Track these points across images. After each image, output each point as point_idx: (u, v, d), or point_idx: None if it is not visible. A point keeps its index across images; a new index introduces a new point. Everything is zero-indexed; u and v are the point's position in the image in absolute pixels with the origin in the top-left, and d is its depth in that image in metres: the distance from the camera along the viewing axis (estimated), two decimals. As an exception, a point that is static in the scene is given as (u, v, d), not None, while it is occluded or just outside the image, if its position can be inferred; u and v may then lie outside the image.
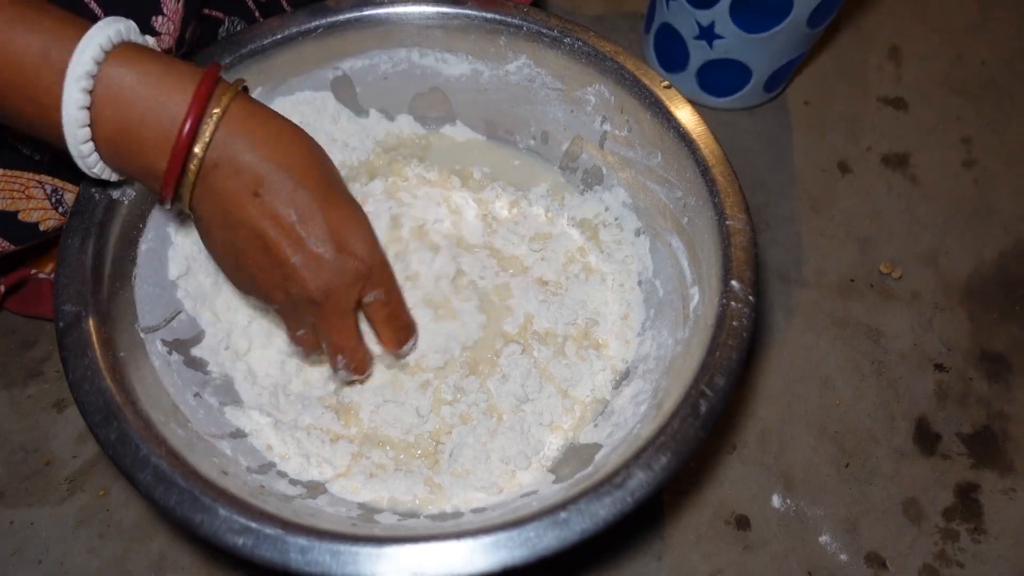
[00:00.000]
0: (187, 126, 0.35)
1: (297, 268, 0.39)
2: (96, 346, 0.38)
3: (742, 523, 0.56)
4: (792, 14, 0.66)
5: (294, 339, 0.45)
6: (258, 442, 0.46)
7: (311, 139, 0.41)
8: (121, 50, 0.35)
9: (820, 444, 0.60)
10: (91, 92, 0.34)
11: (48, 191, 0.50)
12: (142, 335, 0.44)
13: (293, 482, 0.44)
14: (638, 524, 0.55)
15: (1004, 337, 0.66)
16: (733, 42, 0.71)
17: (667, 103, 0.49)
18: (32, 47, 0.33)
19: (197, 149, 0.36)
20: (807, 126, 0.78)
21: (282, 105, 0.54)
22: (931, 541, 0.56)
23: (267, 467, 0.45)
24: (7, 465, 0.56)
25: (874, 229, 0.71)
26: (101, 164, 0.37)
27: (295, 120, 0.42)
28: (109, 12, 0.43)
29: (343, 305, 0.42)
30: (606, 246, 0.57)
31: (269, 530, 0.34)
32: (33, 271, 0.58)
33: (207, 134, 0.36)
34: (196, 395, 0.45)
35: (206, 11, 0.54)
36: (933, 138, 0.78)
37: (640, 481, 0.35)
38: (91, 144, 0.36)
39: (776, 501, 0.57)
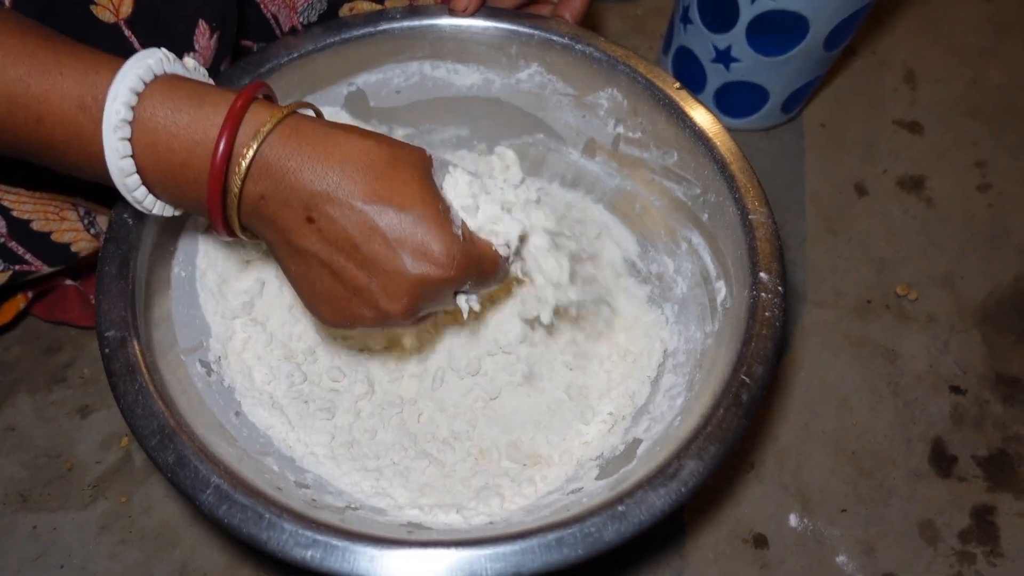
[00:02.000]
0: (218, 159, 0.34)
1: (375, 293, 0.37)
2: (144, 368, 0.39)
3: (760, 542, 0.56)
4: (808, 37, 0.67)
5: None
6: (300, 456, 0.46)
7: (371, 141, 0.37)
8: (154, 87, 0.34)
9: (837, 464, 0.60)
10: (130, 140, 0.34)
11: (80, 213, 0.51)
12: (182, 357, 0.45)
13: (338, 494, 0.44)
14: (657, 541, 0.55)
15: (1019, 360, 0.66)
16: (750, 65, 0.71)
17: (682, 104, 0.50)
18: (68, 97, 0.33)
19: (233, 185, 0.35)
20: (823, 148, 0.79)
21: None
22: (947, 563, 0.56)
23: (314, 481, 0.45)
24: (31, 469, 0.57)
25: (890, 251, 0.72)
26: (159, 204, 0.37)
27: None
28: (146, 45, 0.44)
29: (438, 308, 0.40)
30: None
31: (336, 542, 0.34)
32: (60, 278, 0.59)
33: (243, 167, 0.35)
34: (236, 413, 0.46)
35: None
36: (948, 161, 0.79)
37: (692, 470, 0.36)
38: (143, 189, 0.35)
39: (793, 520, 0.57)
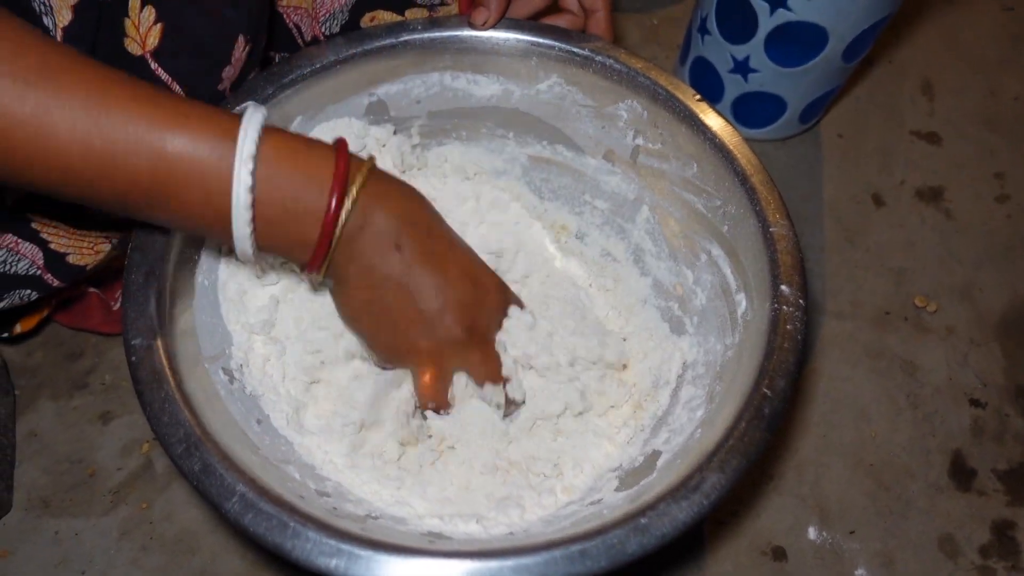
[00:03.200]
0: (334, 197, 0.38)
1: (443, 312, 0.43)
2: (169, 376, 0.39)
3: (778, 554, 0.56)
4: (827, 49, 0.67)
5: (426, 392, 0.47)
6: (320, 464, 0.47)
7: (422, 195, 0.45)
8: (268, 133, 0.37)
9: (856, 476, 0.60)
10: (254, 174, 0.36)
11: (115, 244, 0.51)
12: (206, 364, 0.45)
13: (358, 503, 0.45)
14: (677, 553, 0.55)
15: (1040, 374, 0.66)
16: (768, 76, 0.72)
17: (701, 116, 0.50)
18: (195, 142, 0.35)
19: (343, 217, 0.39)
20: (841, 158, 0.79)
21: (322, 132, 0.56)
22: (968, 578, 0.56)
23: (334, 489, 0.45)
24: (52, 475, 0.57)
25: (908, 262, 0.72)
26: (253, 243, 0.39)
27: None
28: (182, 72, 0.45)
29: (489, 336, 0.46)
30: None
31: (360, 551, 0.34)
32: (81, 285, 0.60)
33: (350, 203, 0.39)
34: (258, 421, 0.46)
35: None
36: (966, 172, 0.79)
37: (714, 483, 0.36)
38: (251, 224, 0.38)
39: (812, 533, 0.57)
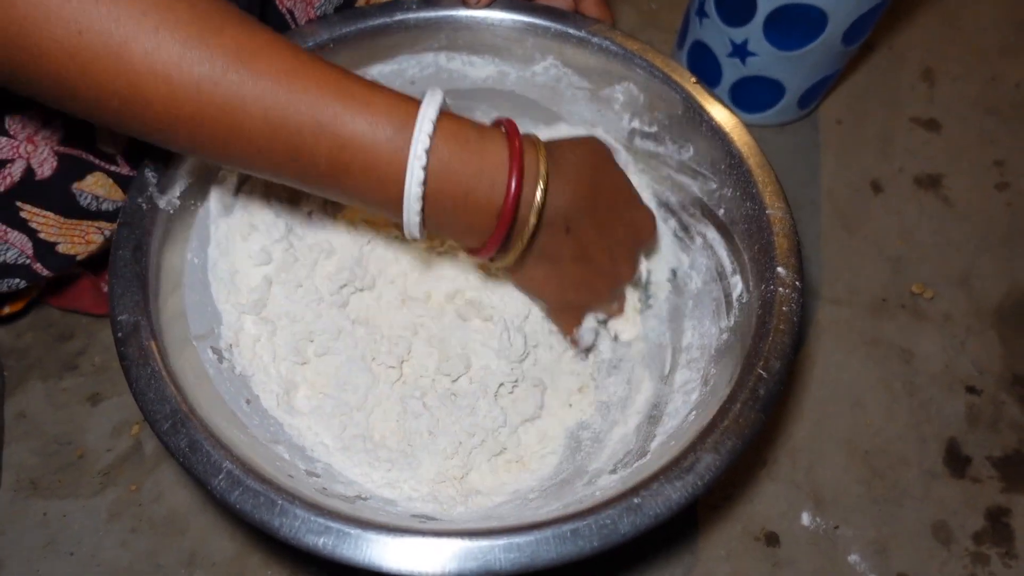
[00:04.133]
0: (510, 193, 0.38)
1: (616, 267, 0.48)
2: (156, 354, 0.39)
3: (772, 540, 0.56)
4: (827, 32, 0.66)
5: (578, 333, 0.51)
6: (310, 445, 0.46)
7: (597, 150, 0.45)
8: (443, 122, 0.37)
9: (850, 463, 0.59)
10: (425, 168, 0.36)
11: (106, 235, 0.51)
12: (194, 343, 0.44)
13: (348, 484, 0.44)
14: (670, 537, 0.55)
15: (1036, 361, 0.65)
16: (766, 59, 0.71)
17: (698, 98, 0.50)
18: (375, 128, 0.36)
19: (531, 217, 0.40)
20: (839, 145, 0.78)
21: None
22: (961, 564, 0.56)
23: (324, 470, 0.45)
24: (41, 456, 0.57)
25: (906, 249, 0.71)
26: (421, 225, 0.39)
27: None
28: None
29: (638, 268, 0.51)
30: None
31: (349, 529, 0.34)
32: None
33: (537, 200, 0.40)
34: (247, 401, 0.45)
35: None
36: (966, 160, 0.78)
37: (708, 464, 0.36)
38: (421, 214, 0.38)
39: (806, 519, 0.57)
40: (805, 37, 0.67)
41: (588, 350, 0.54)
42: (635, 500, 0.35)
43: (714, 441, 0.37)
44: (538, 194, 0.39)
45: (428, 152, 0.36)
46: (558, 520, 0.34)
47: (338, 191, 0.38)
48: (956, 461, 0.60)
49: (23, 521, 0.54)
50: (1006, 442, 0.61)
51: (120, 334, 0.39)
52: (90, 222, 0.49)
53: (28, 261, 0.49)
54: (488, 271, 0.55)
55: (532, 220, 0.40)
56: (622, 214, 0.47)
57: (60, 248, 0.49)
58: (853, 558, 0.55)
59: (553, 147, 0.42)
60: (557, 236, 0.43)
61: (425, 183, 0.37)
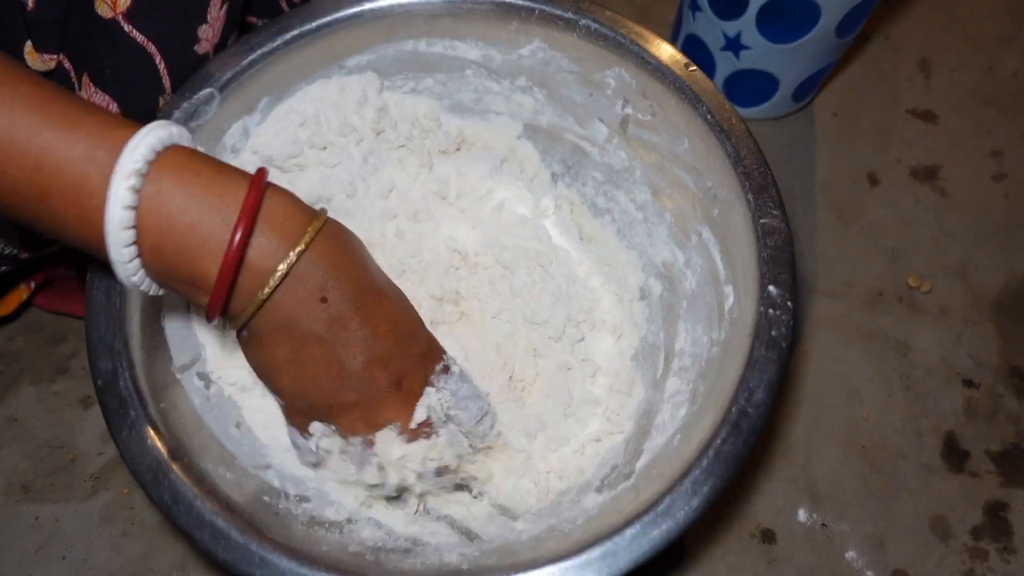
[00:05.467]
0: (239, 231, 0.33)
1: (370, 366, 0.39)
2: (137, 401, 0.38)
3: (767, 536, 0.55)
4: (820, 24, 0.66)
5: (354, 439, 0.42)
6: (300, 468, 0.46)
7: (353, 238, 0.40)
8: (171, 154, 0.34)
9: (847, 458, 0.59)
10: (138, 192, 0.32)
11: None
12: (177, 375, 0.44)
13: (339, 507, 0.44)
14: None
15: (1035, 353, 0.65)
16: (760, 53, 0.70)
17: (694, 87, 0.47)
18: (77, 148, 0.32)
19: (273, 272, 0.35)
20: (835, 137, 0.77)
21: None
22: (959, 560, 0.55)
23: (314, 493, 0.45)
24: (33, 460, 0.57)
25: (903, 241, 0.71)
26: (142, 273, 0.35)
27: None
28: (157, 32, 0.43)
29: (416, 389, 0.41)
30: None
31: None
32: (61, 267, 0.59)
33: (292, 255, 0.35)
34: (237, 424, 0.45)
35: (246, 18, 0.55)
36: (963, 151, 0.77)
37: (687, 511, 0.36)
38: (134, 248, 0.34)
39: (802, 515, 0.56)
40: (798, 30, 0.67)
41: (314, 465, 0.44)
42: (609, 545, 0.35)
43: (693, 482, 0.36)
44: (294, 252, 0.35)
45: (143, 176, 0.32)
46: (537, 562, 0.35)
47: (43, 223, 0.34)
48: (954, 455, 0.60)
49: (15, 525, 0.54)
50: (1004, 436, 0.61)
51: (99, 381, 0.39)
52: None
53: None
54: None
55: (275, 274, 0.35)
56: (392, 317, 0.40)
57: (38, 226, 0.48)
58: (850, 554, 0.55)
59: (338, 226, 0.39)
60: (308, 303, 0.36)
61: (137, 210, 0.32)
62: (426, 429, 0.42)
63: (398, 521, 0.44)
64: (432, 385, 0.42)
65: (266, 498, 0.40)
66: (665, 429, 0.45)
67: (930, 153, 0.77)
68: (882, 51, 0.84)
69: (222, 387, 0.47)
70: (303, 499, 0.43)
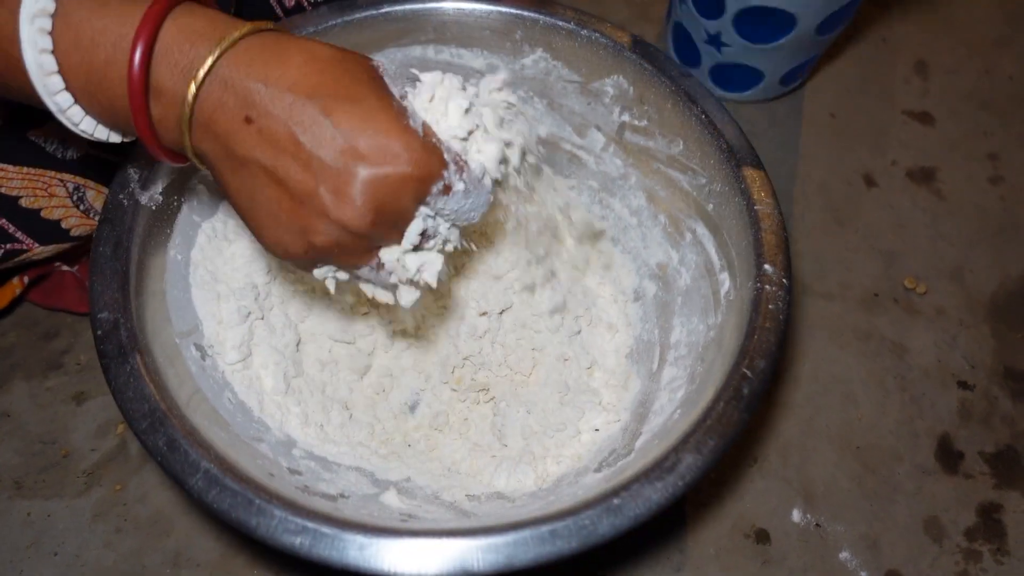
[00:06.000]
0: (138, 49, 0.30)
1: (323, 197, 0.31)
2: (136, 352, 0.38)
3: (762, 537, 0.55)
4: (798, 28, 0.66)
5: (366, 277, 0.37)
6: (294, 441, 0.46)
7: (341, 56, 0.33)
8: None
9: (842, 459, 0.59)
10: (51, 33, 0.30)
11: (70, 189, 0.50)
12: (177, 340, 0.44)
13: (331, 482, 0.44)
14: (658, 535, 0.54)
15: (1029, 356, 0.65)
16: (740, 50, 0.71)
17: (688, 92, 0.49)
18: None
19: (186, 89, 0.31)
20: (832, 138, 0.78)
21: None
22: (953, 561, 0.55)
23: (307, 468, 0.45)
24: (25, 456, 0.56)
25: (899, 243, 0.71)
26: (88, 119, 0.32)
27: None
28: None
29: (401, 223, 0.34)
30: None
31: (326, 529, 0.33)
32: (56, 263, 0.59)
33: (199, 77, 0.31)
34: (231, 398, 0.45)
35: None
36: (959, 153, 0.77)
37: (690, 464, 0.36)
38: (66, 94, 0.31)
39: (796, 516, 0.56)
40: (776, 33, 0.67)
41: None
42: (615, 501, 0.34)
43: (696, 441, 0.36)
44: (205, 64, 0.30)
45: (52, 17, 0.30)
46: (537, 520, 0.34)
47: None
48: (948, 457, 0.60)
49: (6, 521, 0.53)
50: (999, 437, 0.61)
51: (99, 331, 0.39)
52: (53, 172, 0.48)
53: None
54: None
55: (188, 92, 0.30)
56: (354, 127, 0.31)
57: (24, 202, 0.48)
58: (844, 555, 0.55)
59: (280, 36, 0.33)
60: (234, 124, 0.31)
61: (55, 53, 0.30)
62: (427, 244, 0.36)
63: (392, 499, 0.44)
64: (427, 204, 0.34)
65: (259, 461, 0.40)
66: (663, 411, 0.45)
67: (926, 155, 0.77)
68: (879, 53, 0.85)
69: (216, 362, 0.47)
70: (295, 472, 0.43)
